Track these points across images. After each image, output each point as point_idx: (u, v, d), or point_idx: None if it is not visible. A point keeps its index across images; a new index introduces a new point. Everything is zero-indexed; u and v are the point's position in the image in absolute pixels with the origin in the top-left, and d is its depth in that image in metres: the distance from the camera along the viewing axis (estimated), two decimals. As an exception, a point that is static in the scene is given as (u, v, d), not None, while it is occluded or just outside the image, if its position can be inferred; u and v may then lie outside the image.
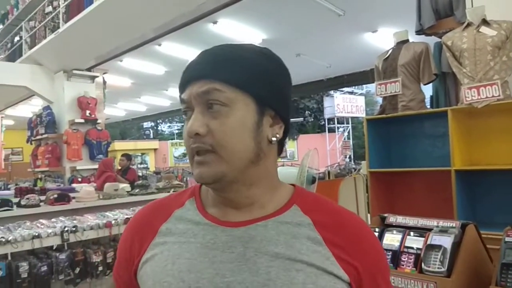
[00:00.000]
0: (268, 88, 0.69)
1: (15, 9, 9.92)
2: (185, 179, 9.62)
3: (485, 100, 2.36)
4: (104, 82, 8.59)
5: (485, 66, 2.42)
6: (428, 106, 3.06)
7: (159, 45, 7.79)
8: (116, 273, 0.80)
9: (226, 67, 0.67)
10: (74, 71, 7.62)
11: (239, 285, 0.63)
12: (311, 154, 2.51)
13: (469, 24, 2.55)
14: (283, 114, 0.73)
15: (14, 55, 8.99)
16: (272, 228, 0.68)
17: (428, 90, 3.07)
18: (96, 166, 7.50)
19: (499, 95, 2.30)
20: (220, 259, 0.66)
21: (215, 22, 6.82)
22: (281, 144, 0.75)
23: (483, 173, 2.61)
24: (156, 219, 0.75)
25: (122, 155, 7.37)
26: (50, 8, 7.61)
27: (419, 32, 3.22)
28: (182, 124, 31.69)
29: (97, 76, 8.09)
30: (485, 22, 2.49)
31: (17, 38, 9.20)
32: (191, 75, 0.68)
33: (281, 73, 0.74)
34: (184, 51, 8.34)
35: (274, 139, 0.71)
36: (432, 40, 3.14)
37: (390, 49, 3.02)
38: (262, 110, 0.69)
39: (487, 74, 2.40)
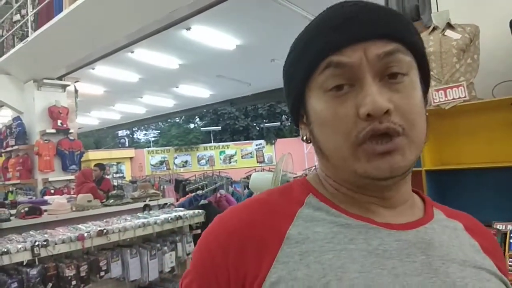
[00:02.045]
0: (425, 54, 0.57)
1: (-19, 18, 9.65)
2: (161, 187, 9.50)
3: (452, 102, 2.42)
4: (76, 91, 8.42)
5: (451, 68, 2.49)
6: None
7: (132, 52, 7.70)
8: None
9: (404, 24, 0.53)
10: (45, 80, 7.44)
11: None
12: (285, 159, 2.52)
13: (435, 28, 2.62)
14: (427, 81, 0.59)
15: (-19, 65, 8.72)
16: (441, 231, 0.56)
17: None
18: (69, 177, 7.35)
19: (465, 96, 2.37)
20: (403, 271, 0.50)
21: (188, 29, 6.79)
22: None
23: (453, 172, 2.67)
24: (272, 221, 0.54)
25: (95, 165, 7.24)
26: (18, 17, 7.42)
27: (388, 36, 3.30)
28: (159, 131, 31.12)
29: (68, 85, 7.92)
30: (450, 26, 2.56)
31: (-16, 48, 8.93)
32: (364, 29, 0.50)
33: None
34: (157, 57, 8.28)
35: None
36: (400, 44, 3.22)
37: (360, 53, 3.07)
38: (421, 82, 0.56)
39: (453, 76, 2.47)
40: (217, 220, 0.58)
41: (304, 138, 0.58)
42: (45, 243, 2.91)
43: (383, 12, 0.53)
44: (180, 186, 9.69)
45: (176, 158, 20.91)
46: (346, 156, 0.52)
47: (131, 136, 29.94)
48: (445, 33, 2.55)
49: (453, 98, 2.42)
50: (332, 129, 0.52)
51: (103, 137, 26.65)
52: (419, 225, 0.56)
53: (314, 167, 13.52)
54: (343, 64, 0.50)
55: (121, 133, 28.12)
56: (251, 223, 0.54)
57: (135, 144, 28.10)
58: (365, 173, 0.51)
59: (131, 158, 21.23)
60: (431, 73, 2.53)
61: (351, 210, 0.55)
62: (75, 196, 5.69)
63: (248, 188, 5.72)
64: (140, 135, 30.68)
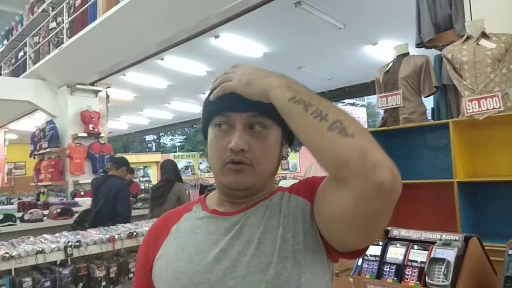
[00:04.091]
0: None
1: (20, 25, 10.06)
2: (187, 192, 9.59)
3: (486, 112, 2.37)
4: (107, 96, 8.65)
5: (485, 78, 2.44)
6: (430, 118, 3.07)
7: (162, 59, 7.85)
8: (136, 281, 0.94)
9: (263, 102, 0.78)
10: (78, 86, 7.68)
11: (239, 254, 0.78)
12: (313, 167, 2.52)
13: (468, 37, 2.57)
14: (292, 137, 0.88)
15: (18, 70, 9.08)
16: (262, 207, 0.84)
17: (429, 103, 3.09)
18: (99, 180, 7.54)
19: (500, 107, 2.32)
20: (223, 241, 0.80)
21: (217, 37, 6.88)
22: None
23: (486, 184, 2.61)
24: (169, 223, 0.91)
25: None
26: (54, 24, 7.70)
27: (419, 45, 3.26)
28: (184, 136, 31.15)
29: (100, 91, 8.14)
30: (484, 35, 2.51)
31: (21, 54, 9.30)
32: (238, 104, 0.79)
33: None
34: (186, 65, 8.41)
35: (285, 157, 0.88)
36: (432, 53, 3.18)
37: (390, 62, 3.05)
38: (283, 135, 0.85)
39: (487, 86, 2.42)
40: None
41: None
42: (77, 243, 3.00)
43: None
44: (205, 191, 9.77)
45: (201, 163, 21.10)
46: (217, 171, 0.82)
47: (157, 141, 30.39)
48: (480, 42, 2.50)
49: (487, 109, 2.37)
50: (214, 151, 0.83)
51: (131, 141, 27.15)
52: (248, 209, 0.84)
53: (339, 176, 13.33)
54: (225, 116, 0.81)
55: (148, 137, 28.60)
56: (156, 226, 0.94)
57: (161, 149, 28.51)
58: (225, 183, 0.82)
59: (157, 162, 21.54)
60: (464, 83, 2.51)
61: (212, 208, 0.88)
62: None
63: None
64: (166, 140, 31.09)
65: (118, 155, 18.14)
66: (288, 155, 0.88)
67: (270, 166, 0.84)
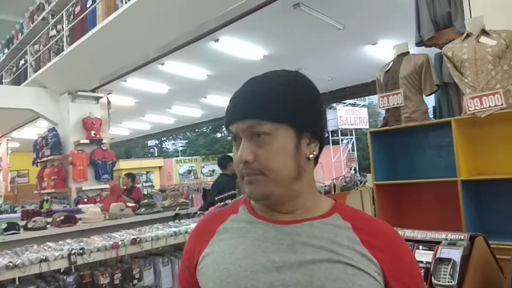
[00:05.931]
0: (303, 116, 0.82)
1: (20, 34, 10.09)
2: (190, 196, 9.58)
3: (488, 110, 2.36)
4: (109, 103, 8.66)
5: (486, 75, 2.42)
6: (431, 117, 3.06)
7: (162, 64, 7.87)
8: (181, 275, 0.95)
9: (265, 106, 0.79)
10: (79, 93, 7.70)
11: (288, 270, 0.76)
12: (316, 168, 2.51)
13: (468, 35, 2.56)
14: (318, 134, 0.84)
15: (19, 79, 9.10)
16: (317, 227, 0.81)
17: (430, 101, 3.08)
18: (102, 186, 7.55)
19: (502, 104, 2.30)
20: (271, 249, 0.79)
21: (216, 40, 6.90)
22: (316, 158, 0.86)
23: (490, 182, 2.59)
24: (215, 223, 0.91)
25: (125, 175, 7.39)
26: (54, 32, 7.72)
27: (419, 43, 3.25)
28: (186, 141, 31.33)
29: (101, 97, 8.16)
30: (484, 32, 2.50)
31: (22, 62, 9.32)
32: (236, 116, 0.82)
33: (313, 99, 0.86)
34: (187, 69, 8.42)
35: (311, 156, 0.83)
36: (432, 51, 3.16)
37: (391, 62, 3.03)
38: (300, 134, 0.81)
39: (488, 83, 2.41)
40: None
41: None
42: (81, 251, 2.99)
43: (262, 98, 0.80)
44: (208, 195, 9.75)
45: (203, 167, 21.13)
46: (241, 183, 0.84)
47: (159, 146, 30.44)
48: (480, 40, 2.49)
49: (489, 106, 2.35)
50: (235, 165, 0.84)
51: (133, 147, 27.21)
52: (300, 222, 0.82)
53: (342, 176, 13.30)
54: (231, 131, 0.83)
55: (150, 143, 28.66)
56: (204, 224, 0.95)
57: (163, 153, 28.57)
58: (247, 195, 0.85)
59: (160, 167, 21.59)
60: (466, 80, 2.49)
61: (260, 214, 0.86)
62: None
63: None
64: (168, 145, 31.14)
65: (121, 160, 18.14)
66: (313, 154, 0.83)
67: (285, 169, 0.80)
